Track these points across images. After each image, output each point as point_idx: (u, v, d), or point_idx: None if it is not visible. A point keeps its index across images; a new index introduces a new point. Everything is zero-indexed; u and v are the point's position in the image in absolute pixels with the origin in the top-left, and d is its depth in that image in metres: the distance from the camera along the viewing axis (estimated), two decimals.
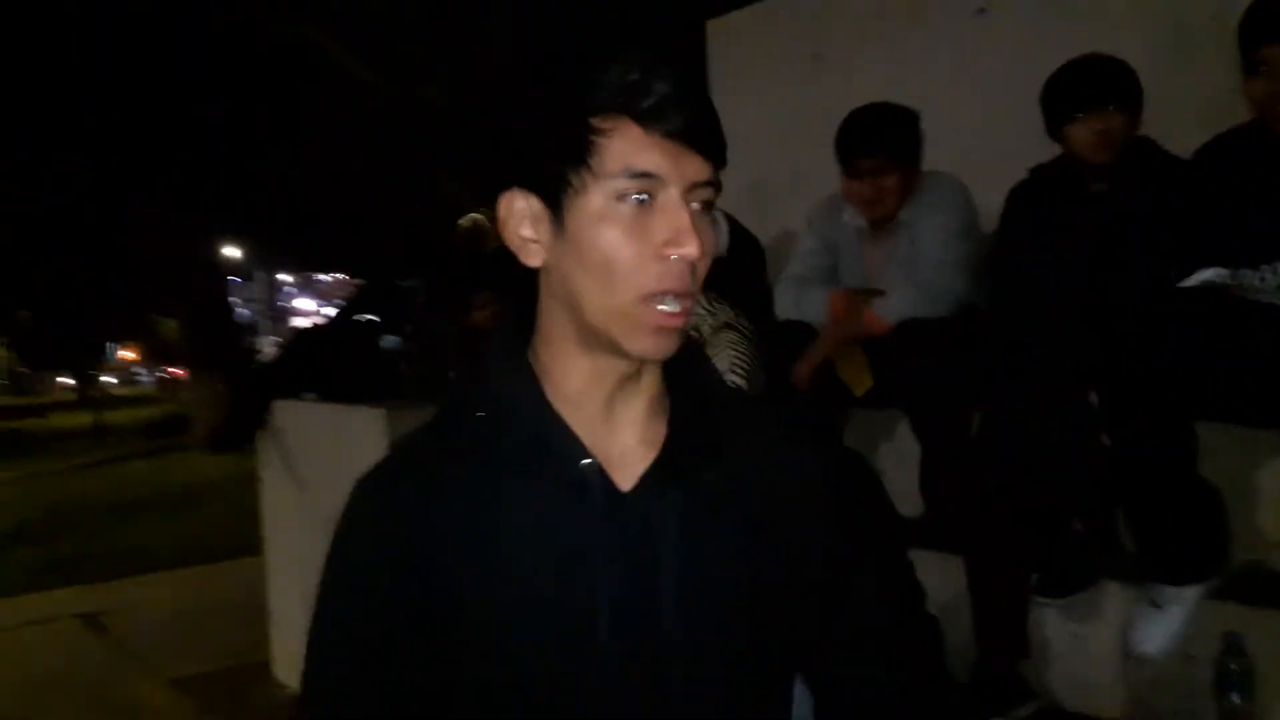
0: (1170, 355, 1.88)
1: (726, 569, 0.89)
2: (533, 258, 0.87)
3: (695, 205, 0.84)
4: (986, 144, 2.90)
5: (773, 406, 1.05)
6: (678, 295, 0.83)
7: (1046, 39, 3.01)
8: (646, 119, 0.80)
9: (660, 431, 0.90)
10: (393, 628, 0.88)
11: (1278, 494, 1.85)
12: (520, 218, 0.86)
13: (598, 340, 0.86)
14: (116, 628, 5.55)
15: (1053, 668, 2.15)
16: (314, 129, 12.63)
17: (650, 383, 0.91)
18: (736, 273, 2.90)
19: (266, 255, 26.04)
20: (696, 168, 0.83)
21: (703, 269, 0.85)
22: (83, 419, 22.10)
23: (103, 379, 33.18)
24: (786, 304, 2.73)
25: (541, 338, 0.91)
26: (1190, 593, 1.87)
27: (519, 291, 0.91)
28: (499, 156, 0.89)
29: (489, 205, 0.91)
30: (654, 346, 0.85)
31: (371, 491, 0.93)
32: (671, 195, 0.82)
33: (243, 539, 4.92)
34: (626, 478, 0.88)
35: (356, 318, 4.57)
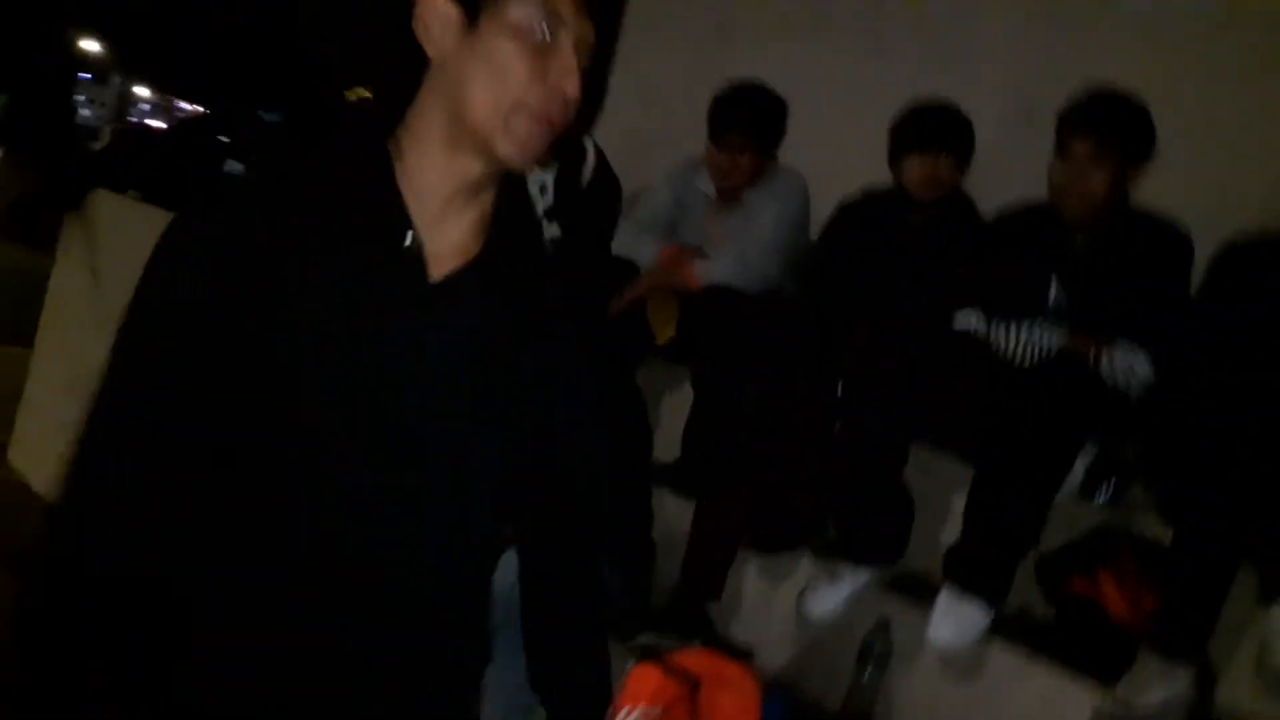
0: (904, 380, 2.11)
1: (486, 373, 1.01)
2: (434, 50, 0.97)
3: (581, 53, 0.98)
4: (865, 153, 3.06)
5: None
6: (548, 117, 0.96)
7: (926, 61, 3.25)
8: None
9: (474, 247, 1.01)
10: (195, 339, 0.94)
11: (956, 515, 2.10)
12: (435, 17, 0.96)
13: (468, 140, 0.97)
14: None
15: (740, 616, 2.38)
16: None
17: (485, 200, 1.02)
18: (593, 203, 3.02)
19: (128, 63, 24.11)
20: (588, 30, 0.98)
21: (571, 108, 0.98)
22: None
23: None
24: (624, 242, 2.87)
25: (406, 130, 1.00)
26: (863, 574, 2.11)
27: (395, 87, 1.01)
28: None
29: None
30: (518, 153, 0.97)
31: (197, 211, 0.99)
32: (567, 40, 0.96)
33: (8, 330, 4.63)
34: (435, 270, 0.99)
35: (209, 134, 4.42)
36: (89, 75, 28.34)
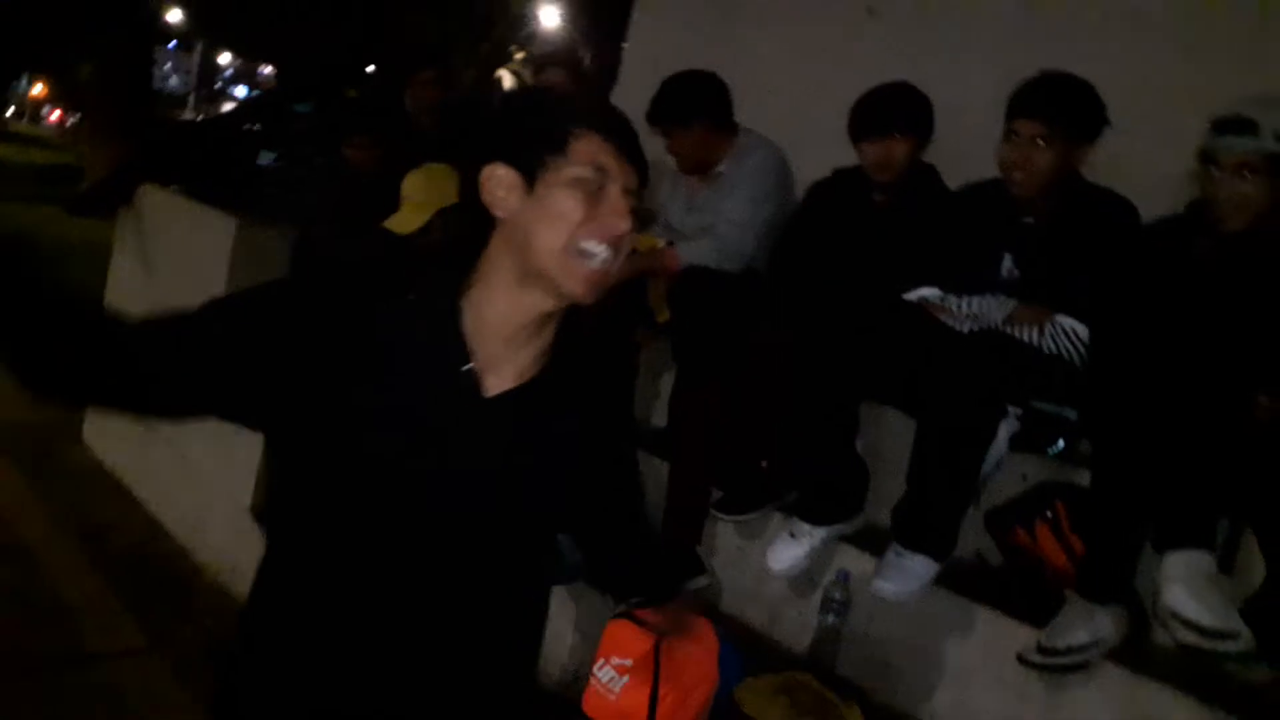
0: (854, 349, 2.26)
1: (539, 456, 1.21)
2: (500, 210, 1.14)
3: (631, 200, 1.15)
4: (830, 131, 3.16)
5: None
6: (607, 257, 1.13)
7: (923, 41, 3.33)
8: (606, 132, 1.14)
9: (531, 371, 1.19)
10: (233, 365, 1.11)
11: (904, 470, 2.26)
12: (498, 184, 1.14)
13: (536, 280, 1.13)
14: None
15: (718, 575, 2.58)
16: None
17: (549, 332, 1.19)
18: None
19: (212, 30, 24.60)
20: (632, 176, 1.15)
21: (627, 246, 1.15)
22: None
23: (8, 114, 31.20)
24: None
25: (479, 277, 1.16)
26: (820, 532, 2.29)
27: (468, 242, 1.20)
28: (496, 142, 1.17)
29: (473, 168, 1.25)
30: (583, 290, 1.13)
31: (289, 293, 1.21)
32: (615, 188, 1.13)
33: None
34: (493, 388, 1.17)
35: (243, 125, 4.67)
36: (173, 44, 28.99)
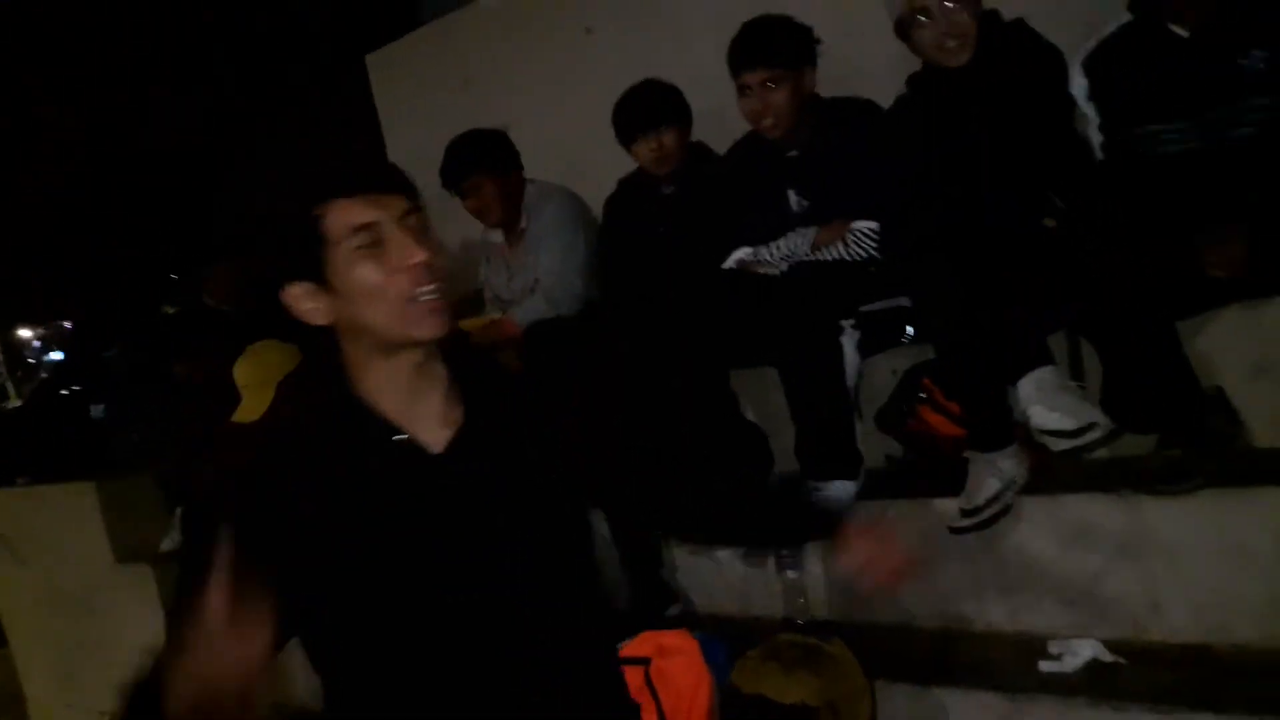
0: (705, 326, 2.39)
1: (520, 492, 1.23)
2: (322, 319, 1.19)
3: (411, 225, 1.17)
4: (594, 152, 3.32)
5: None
6: (428, 286, 1.15)
7: (642, 55, 3.51)
8: (349, 191, 1.14)
9: (455, 413, 1.22)
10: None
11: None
12: (300, 299, 1.18)
13: (394, 344, 1.17)
14: None
15: (681, 581, 2.66)
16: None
17: (441, 375, 1.23)
18: None
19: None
20: (398, 203, 1.16)
21: (439, 260, 1.18)
22: None
23: None
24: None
25: (352, 364, 1.21)
26: None
27: (317, 345, 1.24)
28: (269, 269, 1.20)
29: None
30: (430, 329, 1.17)
31: (225, 488, 1.22)
32: (389, 227, 1.15)
33: None
34: (435, 444, 1.21)
35: (60, 391, 4.55)
36: None
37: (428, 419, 1.21)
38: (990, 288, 1.97)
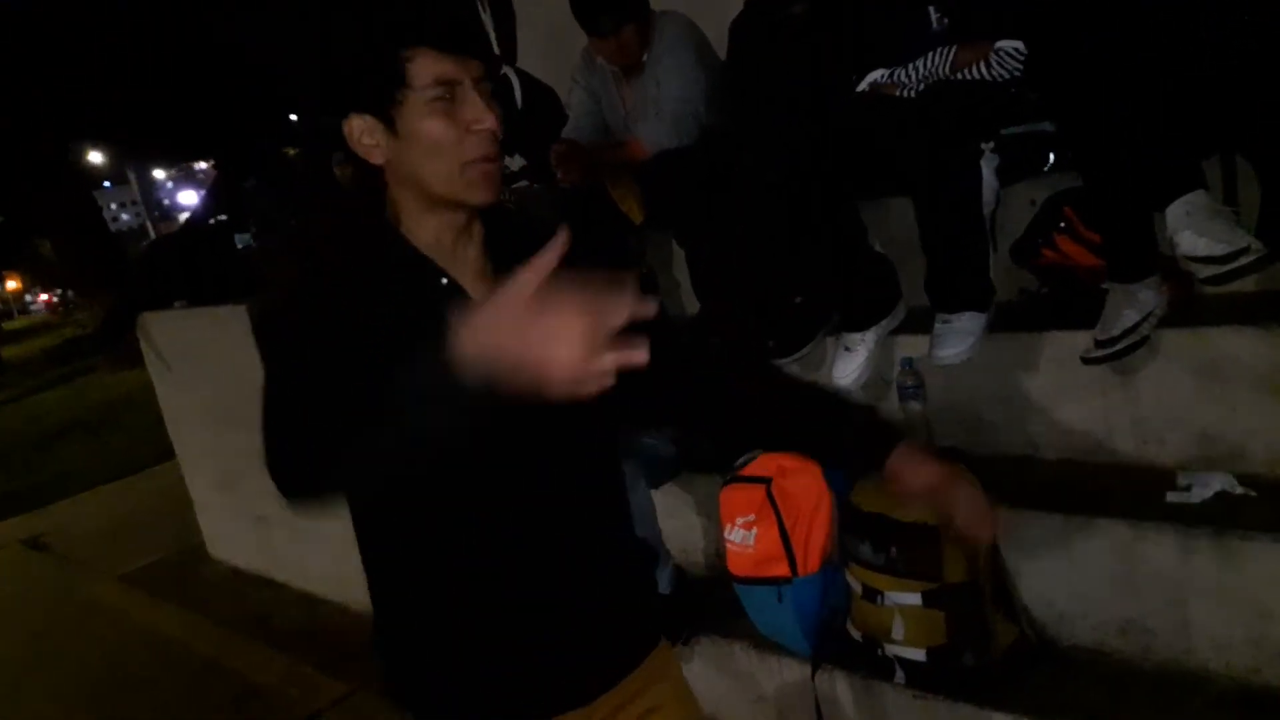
0: (839, 150, 2.33)
1: None
2: (376, 158, 1.19)
3: (483, 90, 1.18)
4: None
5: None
6: (490, 153, 1.17)
7: None
8: (439, 44, 1.15)
9: (489, 269, 1.24)
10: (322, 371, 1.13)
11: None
12: (362, 133, 1.18)
13: (442, 202, 1.18)
14: (58, 545, 5.94)
15: None
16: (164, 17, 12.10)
17: (478, 230, 1.24)
18: (533, 122, 3.30)
19: (135, 153, 24.74)
20: (476, 67, 1.17)
21: (500, 131, 1.18)
22: None
23: None
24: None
25: (395, 208, 1.22)
26: (869, 335, 2.39)
27: (367, 188, 1.25)
28: (336, 94, 1.21)
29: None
30: (483, 195, 1.19)
31: (275, 307, 1.24)
32: (466, 88, 1.16)
33: (165, 444, 5.27)
34: (475, 294, 1.20)
35: (210, 220, 4.80)
36: (108, 183, 29.15)
37: (465, 270, 1.24)
38: (1144, 107, 1.86)
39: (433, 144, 1.15)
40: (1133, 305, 2.01)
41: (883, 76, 2.46)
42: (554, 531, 1.26)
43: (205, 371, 4.31)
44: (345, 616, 3.79)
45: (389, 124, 1.17)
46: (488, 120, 1.16)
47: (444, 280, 1.22)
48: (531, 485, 1.24)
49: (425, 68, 1.15)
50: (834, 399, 1.49)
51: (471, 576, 1.25)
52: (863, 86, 2.49)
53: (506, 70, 3.37)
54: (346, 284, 1.21)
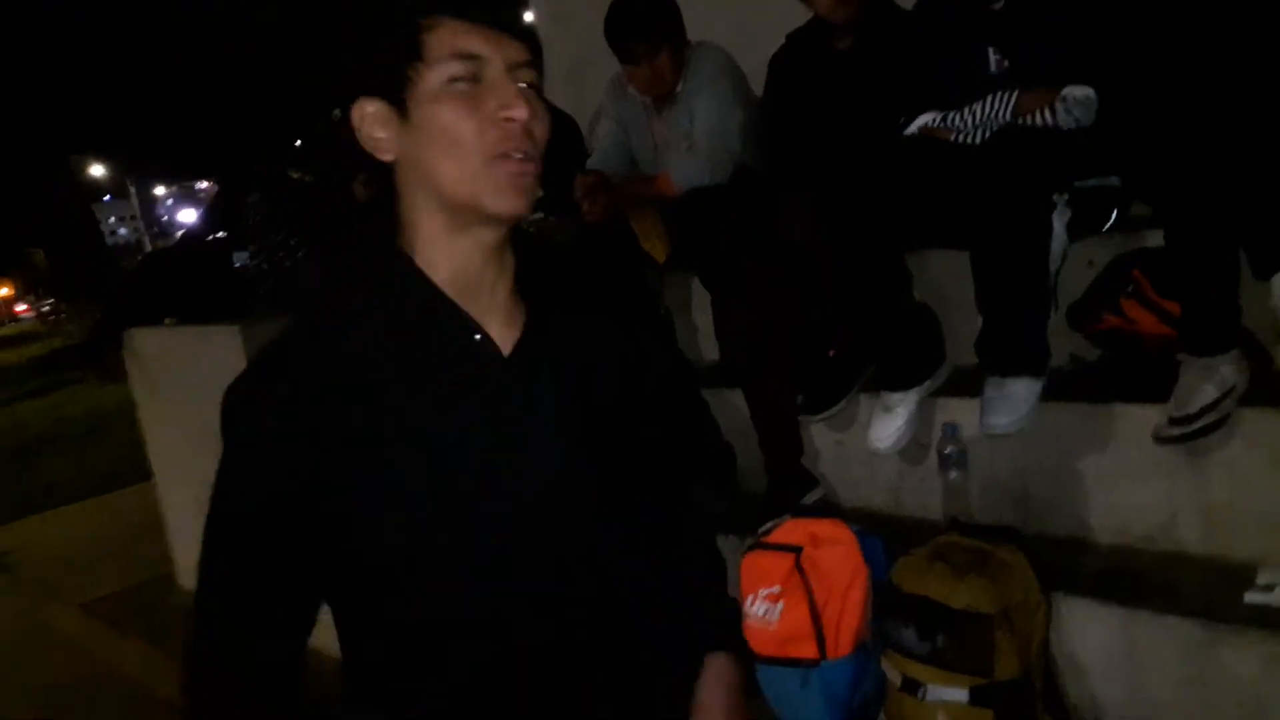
0: (886, 195, 2.16)
1: (589, 401, 1.05)
2: (386, 153, 0.98)
3: (521, 85, 0.96)
4: (759, 12, 3.05)
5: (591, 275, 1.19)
6: (520, 153, 0.95)
7: None
8: (463, 12, 0.94)
9: (518, 311, 1.03)
10: (288, 508, 0.95)
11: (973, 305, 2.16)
12: (371, 122, 0.97)
13: (463, 213, 0.96)
14: (24, 565, 5.67)
15: (824, 471, 2.51)
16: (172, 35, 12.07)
17: (509, 261, 1.03)
18: (553, 151, 3.12)
19: (137, 169, 24.82)
20: (515, 50, 0.95)
21: (540, 134, 0.97)
22: None
23: None
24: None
25: (410, 230, 1.00)
26: (911, 395, 2.20)
27: (378, 197, 1.03)
28: (340, 73, 1.02)
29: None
30: (512, 203, 0.96)
31: (252, 387, 1.00)
32: (496, 70, 0.94)
33: (146, 462, 5.04)
34: (503, 345, 1.01)
35: (207, 236, 4.63)
36: (108, 197, 29.14)
37: (493, 314, 1.01)
38: (1245, 167, 1.70)
39: (449, 134, 0.94)
40: (1213, 380, 1.83)
41: (934, 120, 2.29)
42: (573, 642, 1.04)
43: (189, 392, 4.10)
44: (315, 659, 3.54)
45: (401, 109, 0.95)
46: (518, 110, 0.94)
47: (477, 337, 1.00)
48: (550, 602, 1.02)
49: (443, 39, 0.94)
50: (707, 586, 1.24)
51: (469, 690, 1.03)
52: (912, 129, 2.33)
53: None
54: (343, 345, 0.98)
